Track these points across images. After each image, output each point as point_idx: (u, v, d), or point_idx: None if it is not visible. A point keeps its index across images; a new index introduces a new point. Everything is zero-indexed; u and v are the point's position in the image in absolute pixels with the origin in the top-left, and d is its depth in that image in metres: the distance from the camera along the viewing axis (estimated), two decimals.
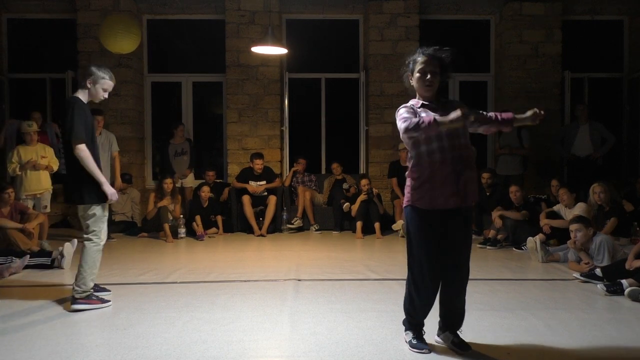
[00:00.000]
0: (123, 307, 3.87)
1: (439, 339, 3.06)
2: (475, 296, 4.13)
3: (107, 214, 3.96)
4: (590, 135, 7.80)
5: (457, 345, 2.96)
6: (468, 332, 3.15)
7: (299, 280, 4.71)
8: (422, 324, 3.03)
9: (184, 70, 9.18)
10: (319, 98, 9.21)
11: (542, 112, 2.87)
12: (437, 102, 2.95)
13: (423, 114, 2.86)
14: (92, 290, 3.88)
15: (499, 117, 2.96)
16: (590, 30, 9.07)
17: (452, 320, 3.01)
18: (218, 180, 8.52)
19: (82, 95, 3.85)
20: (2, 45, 8.90)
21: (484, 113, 2.96)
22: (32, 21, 8.93)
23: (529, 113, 2.89)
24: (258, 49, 7.57)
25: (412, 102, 2.99)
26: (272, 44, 7.29)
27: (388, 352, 2.96)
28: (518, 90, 8.67)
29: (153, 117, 9.18)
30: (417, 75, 2.91)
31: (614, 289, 4.13)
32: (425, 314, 3.00)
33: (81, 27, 8.48)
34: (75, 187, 3.80)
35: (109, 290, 4.19)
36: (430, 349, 2.96)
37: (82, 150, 3.69)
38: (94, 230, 3.85)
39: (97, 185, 3.77)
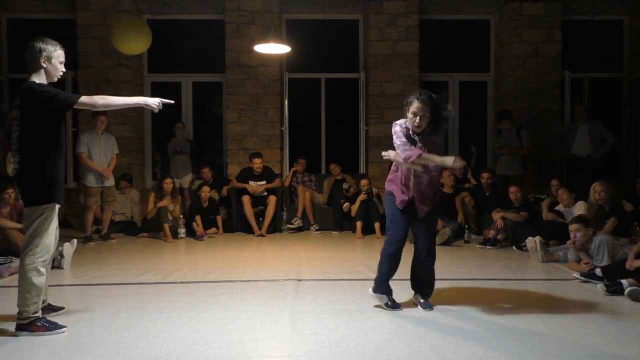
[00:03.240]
0: (123, 307, 3.86)
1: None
2: (475, 296, 4.14)
3: (49, 224, 3.36)
4: (590, 135, 7.80)
5: (421, 304, 3.78)
6: (468, 332, 3.21)
7: (299, 280, 4.71)
8: (390, 290, 3.76)
9: (184, 70, 9.18)
10: (319, 98, 9.21)
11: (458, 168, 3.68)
12: (422, 136, 3.62)
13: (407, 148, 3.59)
14: (37, 315, 3.35)
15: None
16: (590, 30, 9.07)
17: (420, 286, 3.84)
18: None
19: (38, 79, 3.32)
20: (2, 45, 8.91)
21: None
22: (32, 21, 8.92)
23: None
24: (260, 48, 7.57)
25: (407, 122, 3.65)
26: (274, 42, 7.29)
27: (388, 352, 2.96)
28: (518, 90, 8.68)
29: (153, 117, 9.17)
30: (409, 115, 3.60)
31: (614, 289, 4.13)
32: (389, 266, 3.71)
33: (81, 27, 8.48)
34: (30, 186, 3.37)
35: (63, 308, 3.69)
36: (402, 307, 3.73)
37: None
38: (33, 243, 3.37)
39: (48, 184, 3.32)
